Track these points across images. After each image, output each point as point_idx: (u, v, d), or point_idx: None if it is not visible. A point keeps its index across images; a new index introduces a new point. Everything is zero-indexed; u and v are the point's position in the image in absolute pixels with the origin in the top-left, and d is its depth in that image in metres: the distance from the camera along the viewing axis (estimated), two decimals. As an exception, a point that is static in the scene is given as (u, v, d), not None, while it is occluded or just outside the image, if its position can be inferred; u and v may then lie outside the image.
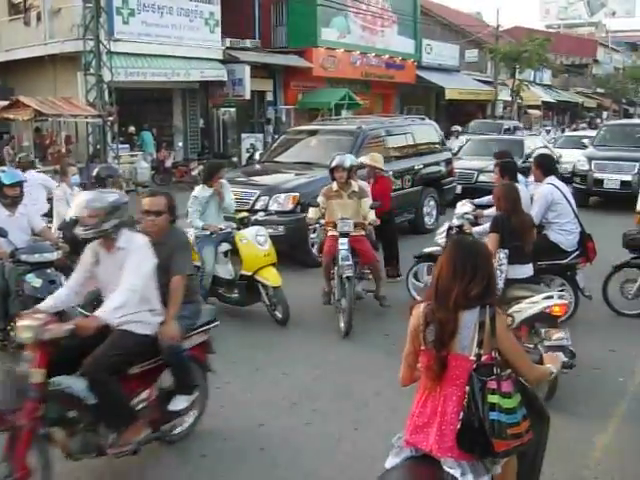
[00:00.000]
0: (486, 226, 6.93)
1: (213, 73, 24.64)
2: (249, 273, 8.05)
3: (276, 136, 19.74)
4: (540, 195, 7.60)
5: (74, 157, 20.40)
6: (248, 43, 26.62)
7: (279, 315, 8.07)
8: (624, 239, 8.33)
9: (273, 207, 10.83)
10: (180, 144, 25.40)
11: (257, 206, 10.80)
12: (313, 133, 14.06)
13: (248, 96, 25.75)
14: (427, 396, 3.31)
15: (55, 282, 6.79)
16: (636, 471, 4.92)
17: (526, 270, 6.41)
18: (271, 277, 7.99)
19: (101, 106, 19.77)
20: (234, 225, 8.37)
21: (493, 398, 3.11)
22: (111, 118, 20.00)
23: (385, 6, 33.58)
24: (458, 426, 3.14)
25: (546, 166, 7.91)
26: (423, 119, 15.95)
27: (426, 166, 13.78)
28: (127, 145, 22.04)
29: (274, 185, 11.33)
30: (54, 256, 7.01)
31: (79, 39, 20.04)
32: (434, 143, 14.78)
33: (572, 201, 7.77)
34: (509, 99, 41.84)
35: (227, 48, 25.26)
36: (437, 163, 14.28)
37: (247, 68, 25.19)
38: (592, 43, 62.69)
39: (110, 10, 20.59)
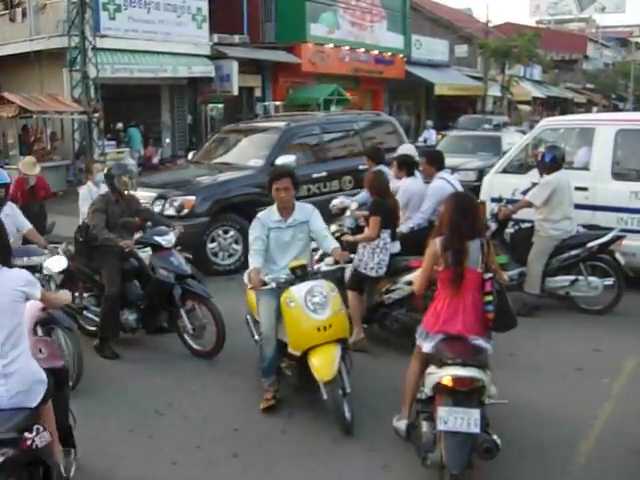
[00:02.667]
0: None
1: (201, 69, 24.54)
2: (298, 353, 5.56)
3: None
4: (432, 190, 7.79)
5: (60, 154, 20.30)
6: (236, 39, 26.49)
7: (346, 419, 5.40)
8: None
9: (169, 211, 9.83)
10: (168, 140, 25.27)
11: (153, 210, 9.94)
12: (243, 131, 13.17)
13: (236, 92, 25.62)
14: (449, 300, 4.69)
15: (44, 287, 6.52)
16: (619, 478, 4.82)
17: (397, 246, 7.24)
18: (322, 365, 5.34)
19: (86, 102, 19.62)
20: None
21: (506, 293, 4.82)
22: (97, 114, 19.88)
23: (374, 1, 33.45)
24: (490, 316, 4.64)
25: (436, 161, 8.20)
26: (378, 115, 15.09)
27: None
28: (114, 141, 21.88)
29: (172, 187, 10.41)
30: (43, 259, 6.61)
31: (64, 35, 19.93)
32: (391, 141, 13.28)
33: None
34: (499, 95, 41.75)
35: (215, 44, 25.11)
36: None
37: (235, 64, 25.05)
38: (582, 39, 62.58)
39: (96, 6, 20.49)
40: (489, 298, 4.64)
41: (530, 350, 7.14)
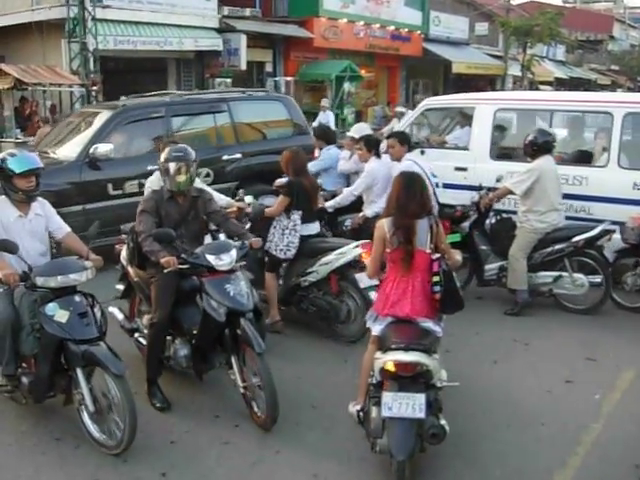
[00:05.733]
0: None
1: (208, 42, 23.85)
2: None
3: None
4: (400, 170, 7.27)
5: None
6: (247, 12, 25.69)
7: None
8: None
9: None
10: (174, 115, 24.64)
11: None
12: (88, 114, 10.90)
13: (244, 67, 24.96)
14: (398, 282, 4.65)
15: (87, 315, 4.77)
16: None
17: (315, 227, 7.13)
18: None
19: (84, 75, 19.02)
20: None
21: (453, 274, 4.72)
22: (95, 87, 19.23)
23: (392, -25, 32.46)
24: (437, 297, 4.56)
25: (407, 142, 8.00)
26: (266, 92, 13.43)
27: (250, 156, 10.63)
28: (115, 115, 21.25)
29: None
30: (83, 277, 4.91)
31: (64, 5, 19.29)
32: (281, 125, 11.70)
33: (430, 176, 7.57)
34: (519, 74, 40.69)
35: (224, 17, 24.39)
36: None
37: (243, 38, 24.37)
38: (608, 19, 60.95)
39: (98, -25, 19.76)
40: (436, 279, 4.57)
41: (516, 358, 6.47)
